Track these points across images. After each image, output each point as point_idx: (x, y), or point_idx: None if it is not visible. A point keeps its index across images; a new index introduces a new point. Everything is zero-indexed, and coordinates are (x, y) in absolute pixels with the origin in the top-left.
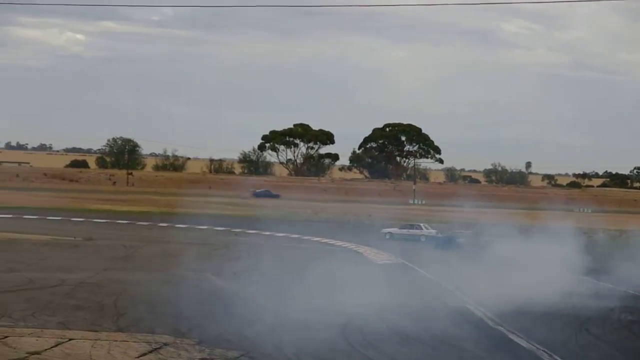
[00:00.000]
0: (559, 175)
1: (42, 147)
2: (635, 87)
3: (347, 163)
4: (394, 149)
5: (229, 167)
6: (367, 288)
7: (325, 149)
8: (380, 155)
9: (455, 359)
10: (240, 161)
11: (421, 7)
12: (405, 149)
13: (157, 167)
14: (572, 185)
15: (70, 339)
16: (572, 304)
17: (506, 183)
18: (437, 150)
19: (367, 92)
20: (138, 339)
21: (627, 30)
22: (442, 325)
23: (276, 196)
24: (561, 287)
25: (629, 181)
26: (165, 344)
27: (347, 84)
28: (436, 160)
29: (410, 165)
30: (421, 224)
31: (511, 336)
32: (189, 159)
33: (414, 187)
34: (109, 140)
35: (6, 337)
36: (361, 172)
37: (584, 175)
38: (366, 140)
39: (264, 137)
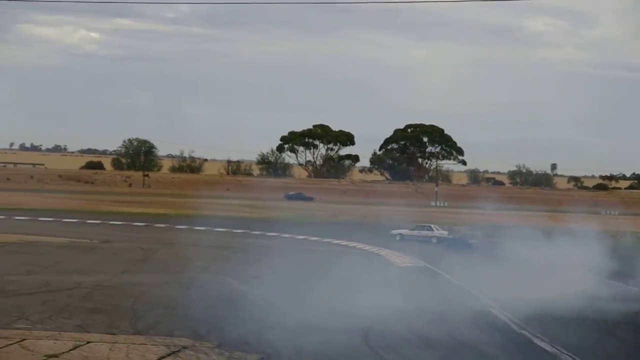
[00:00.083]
0: (585, 177)
1: (57, 149)
2: None
3: (368, 165)
4: (416, 150)
5: (247, 168)
6: (389, 291)
7: (345, 150)
8: (401, 156)
9: None
10: (259, 163)
11: (444, 4)
12: (427, 150)
13: (173, 169)
14: (599, 187)
15: (88, 342)
16: (598, 307)
17: (531, 185)
18: (460, 151)
19: (388, 92)
20: (156, 342)
21: None
22: (465, 329)
23: (309, 199)
24: (587, 290)
25: None
26: (184, 347)
27: (368, 83)
28: (459, 162)
29: (432, 167)
30: (432, 225)
31: (536, 340)
32: (206, 160)
33: (436, 189)
34: (124, 141)
35: (24, 339)
36: (382, 174)
37: (611, 177)
38: (387, 141)
39: (283, 138)
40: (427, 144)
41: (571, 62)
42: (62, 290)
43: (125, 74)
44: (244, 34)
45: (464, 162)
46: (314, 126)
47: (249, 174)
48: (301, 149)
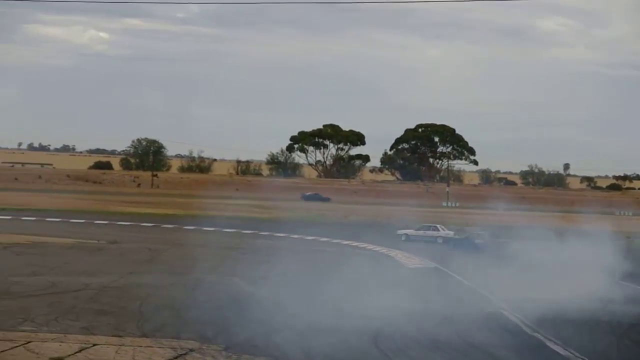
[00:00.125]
0: (599, 177)
1: (65, 149)
2: None
3: (378, 165)
4: (427, 150)
5: (257, 168)
6: (399, 293)
7: (355, 150)
8: (412, 156)
9: None
10: (268, 163)
11: (455, 3)
12: (438, 150)
13: (182, 169)
14: (612, 187)
15: (94, 345)
16: (612, 310)
17: (543, 185)
18: (472, 151)
19: (399, 92)
20: (163, 344)
21: None
22: (476, 331)
23: (327, 199)
24: (599, 292)
25: None
26: (191, 350)
27: (378, 83)
28: (470, 162)
29: (443, 167)
30: (438, 226)
31: (549, 343)
32: (215, 160)
33: (447, 190)
34: (133, 141)
35: (29, 342)
36: (393, 174)
37: (625, 177)
38: (398, 141)
39: (293, 138)
40: (438, 143)
41: (583, 61)
42: (69, 291)
43: (134, 73)
44: (253, 34)
45: (475, 162)
46: (324, 126)
47: (258, 174)
48: (311, 148)
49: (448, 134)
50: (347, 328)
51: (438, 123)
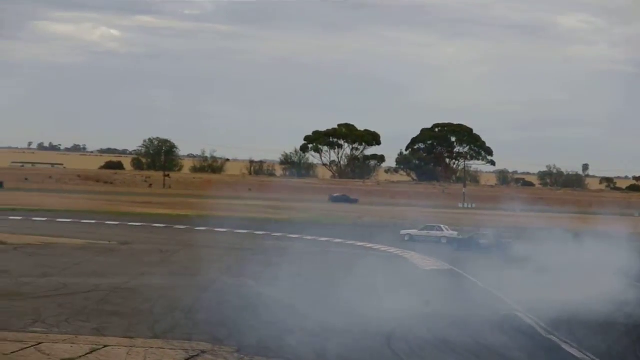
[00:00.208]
0: (618, 178)
1: (76, 148)
2: None
3: (394, 165)
4: (444, 150)
5: (270, 168)
6: (413, 295)
7: (370, 150)
8: (428, 156)
9: None
10: (282, 163)
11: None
12: (455, 150)
13: (195, 169)
14: (632, 188)
15: (105, 346)
16: (628, 312)
17: (562, 186)
18: (489, 151)
19: (415, 91)
20: (175, 346)
21: None
22: (491, 333)
23: (354, 201)
24: (615, 294)
25: None
26: (203, 352)
27: (394, 81)
28: (487, 162)
29: (460, 168)
30: (442, 226)
31: (564, 346)
32: (228, 160)
33: (463, 190)
34: (145, 141)
35: (40, 343)
36: (408, 175)
37: None
38: (414, 141)
39: (307, 138)
40: (455, 143)
41: (605, 59)
42: (79, 292)
43: (145, 72)
44: (266, 31)
45: (492, 163)
46: (338, 125)
47: (271, 174)
48: (325, 148)
49: (465, 134)
50: (361, 330)
51: (455, 122)
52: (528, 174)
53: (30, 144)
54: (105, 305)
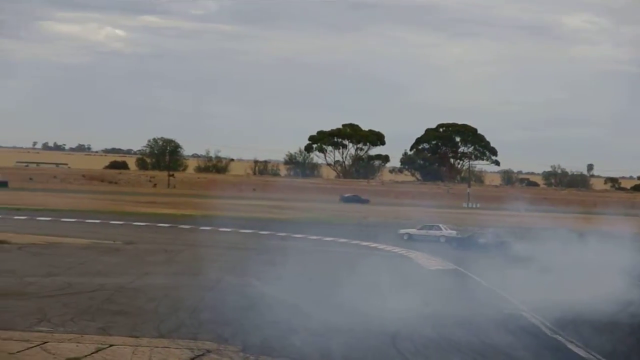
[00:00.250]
0: (623, 178)
1: (81, 148)
2: None
3: (398, 165)
4: (448, 150)
5: (274, 168)
6: (418, 295)
7: (375, 150)
8: (433, 156)
9: None
10: (286, 163)
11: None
12: (459, 150)
13: (199, 169)
14: (637, 188)
15: (110, 345)
16: (632, 312)
17: (566, 186)
18: (493, 151)
19: (419, 91)
20: (180, 345)
21: None
22: (496, 333)
23: (365, 201)
24: (619, 293)
25: None
26: (208, 351)
27: (398, 81)
28: (492, 162)
29: (464, 168)
30: (440, 225)
31: (570, 346)
32: (232, 160)
33: (468, 190)
34: (149, 141)
35: (45, 342)
36: (413, 175)
37: None
38: (418, 141)
39: (311, 138)
40: (459, 143)
41: (609, 59)
42: (84, 292)
43: (151, 72)
44: (271, 31)
45: (497, 163)
46: (343, 125)
47: (276, 174)
48: (330, 148)
49: (469, 134)
50: (365, 329)
51: (459, 122)
52: (532, 174)
53: (34, 143)
54: (110, 305)
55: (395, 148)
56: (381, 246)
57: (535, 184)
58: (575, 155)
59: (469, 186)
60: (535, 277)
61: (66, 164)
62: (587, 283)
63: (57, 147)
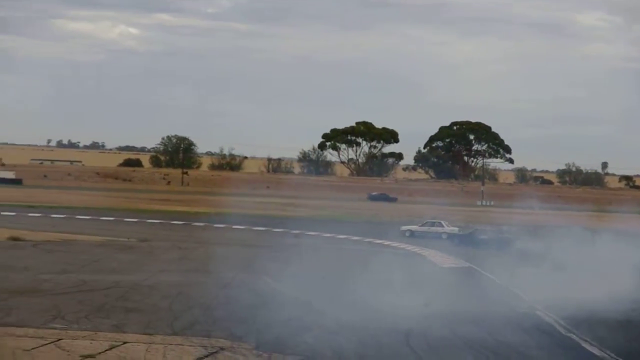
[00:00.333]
0: (637, 176)
1: (95, 146)
2: None
3: (412, 163)
4: (462, 148)
5: (288, 166)
6: (432, 292)
7: (388, 148)
8: (446, 154)
9: None
10: (300, 160)
11: None
12: (473, 148)
13: (213, 166)
14: None
15: (124, 342)
16: None
17: (580, 184)
18: (507, 149)
19: (433, 88)
20: (194, 342)
21: None
22: (510, 331)
23: (393, 200)
24: (633, 291)
25: None
26: (222, 348)
27: (412, 79)
28: (506, 160)
29: (478, 166)
30: (442, 222)
31: (584, 344)
32: (246, 157)
33: (482, 188)
34: (163, 139)
35: (60, 339)
36: (426, 173)
37: None
38: (432, 139)
39: (325, 136)
40: (473, 141)
41: (623, 57)
42: (99, 289)
43: (164, 70)
44: (284, 29)
45: (511, 161)
46: (356, 123)
47: (289, 171)
48: (343, 146)
49: (483, 132)
50: (379, 327)
51: (473, 120)
52: (547, 172)
53: (49, 141)
54: (124, 302)
55: (409, 146)
56: (395, 244)
57: (549, 182)
58: (590, 153)
59: (483, 184)
60: (548, 275)
61: (80, 162)
62: (601, 281)
63: (72, 145)
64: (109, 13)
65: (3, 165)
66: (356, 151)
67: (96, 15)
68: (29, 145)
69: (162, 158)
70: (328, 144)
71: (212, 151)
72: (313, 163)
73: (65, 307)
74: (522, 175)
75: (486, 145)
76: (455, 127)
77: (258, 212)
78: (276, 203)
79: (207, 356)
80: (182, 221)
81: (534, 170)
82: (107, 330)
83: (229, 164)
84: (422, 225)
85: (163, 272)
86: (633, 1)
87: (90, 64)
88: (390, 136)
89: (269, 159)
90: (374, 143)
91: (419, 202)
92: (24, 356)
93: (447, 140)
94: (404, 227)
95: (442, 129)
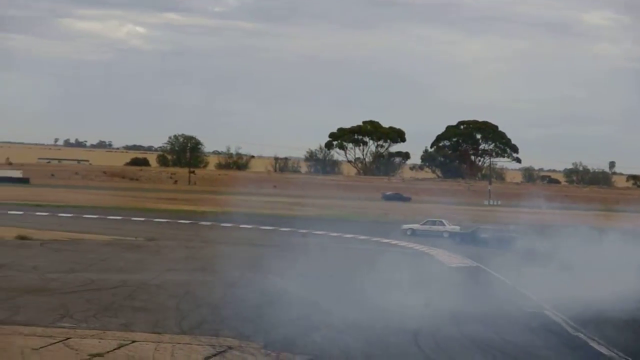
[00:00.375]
0: None
1: (102, 145)
2: None
3: (419, 162)
4: (469, 147)
5: (295, 165)
6: (440, 292)
7: (395, 147)
8: (453, 154)
9: None
10: (307, 159)
11: None
12: (480, 147)
13: (220, 166)
14: None
15: (133, 341)
16: None
17: (588, 183)
18: (515, 148)
19: (440, 87)
20: (202, 341)
21: None
22: (518, 331)
23: (407, 199)
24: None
25: None
26: (230, 348)
27: (419, 78)
28: (513, 160)
29: (485, 165)
30: (443, 220)
31: (592, 343)
32: (252, 157)
33: (489, 188)
34: (170, 138)
35: (68, 338)
36: (433, 172)
37: None
38: (439, 138)
39: (332, 135)
40: (480, 140)
41: (629, 57)
42: (107, 288)
43: (171, 69)
44: (291, 28)
45: (518, 160)
46: (363, 122)
47: (296, 171)
48: (350, 145)
49: (490, 131)
50: (386, 326)
51: (480, 119)
52: (554, 171)
53: (56, 140)
54: (132, 301)
55: (416, 145)
56: (402, 243)
57: (556, 182)
58: (597, 152)
59: (490, 183)
60: (556, 275)
61: (87, 161)
62: (608, 280)
63: (79, 144)
64: (117, 12)
65: (10, 164)
66: (363, 150)
67: (104, 14)
68: (37, 144)
69: (169, 157)
70: (335, 143)
71: (219, 150)
72: (320, 162)
73: (73, 306)
74: (529, 175)
75: (493, 144)
76: (462, 126)
77: (265, 211)
78: (283, 202)
79: (215, 355)
80: (189, 220)
81: (541, 170)
82: (116, 329)
83: (236, 163)
84: (423, 224)
85: (170, 271)
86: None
87: (98, 63)
88: (397, 135)
89: (276, 158)
90: (380, 142)
91: (426, 202)
92: (32, 355)
93: (454, 139)
94: (405, 226)
95: (449, 128)
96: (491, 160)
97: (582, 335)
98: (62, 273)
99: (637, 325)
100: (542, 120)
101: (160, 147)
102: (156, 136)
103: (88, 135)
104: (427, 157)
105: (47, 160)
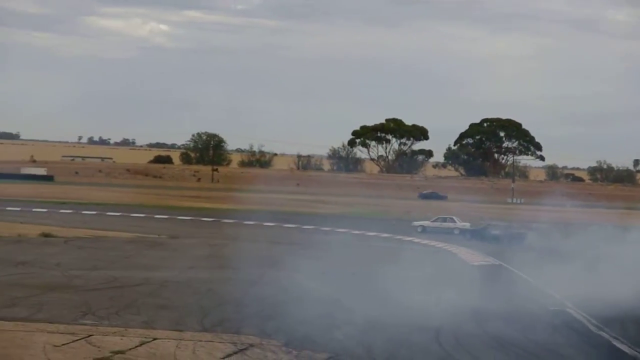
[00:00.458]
0: None
1: (125, 142)
2: None
3: (442, 160)
4: (492, 145)
5: (318, 163)
6: (462, 290)
7: (418, 145)
8: (477, 151)
9: None
10: (329, 157)
11: None
12: (503, 145)
13: (243, 163)
14: None
15: (154, 339)
16: None
17: (612, 181)
18: (538, 146)
19: (463, 85)
20: (223, 339)
21: None
22: (541, 329)
23: (443, 197)
24: None
25: None
26: (251, 345)
27: (442, 76)
28: (537, 157)
29: (509, 163)
30: (454, 217)
31: (614, 342)
32: (275, 154)
33: (512, 186)
34: (193, 135)
35: (90, 335)
36: (456, 170)
37: None
38: (462, 136)
39: (355, 133)
40: (503, 138)
41: None
42: (129, 286)
43: (194, 67)
44: (314, 26)
45: (542, 158)
46: (386, 120)
47: (319, 168)
48: (373, 143)
49: (514, 129)
50: (408, 324)
51: (504, 117)
52: (578, 169)
53: (80, 138)
54: (154, 299)
55: (439, 143)
56: (424, 241)
57: (580, 180)
58: (621, 150)
59: (513, 181)
60: (578, 273)
61: (111, 158)
62: (632, 279)
63: (102, 142)
64: (140, 10)
65: (35, 162)
66: (386, 148)
67: (127, 12)
68: (60, 142)
69: (192, 155)
70: (358, 140)
71: (242, 148)
72: (343, 160)
73: (96, 304)
74: (553, 173)
75: (517, 142)
76: (485, 124)
77: (287, 209)
78: (306, 200)
79: (236, 353)
80: (212, 218)
81: (564, 168)
82: (138, 326)
83: (259, 160)
84: (434, 221)
85: (193, 268)
86: None
87: (121, 61)
88: (420, 133)
89: (299, 156)
90: (403, 140)
91: (450, 200)
92: (54, 352)
93: (477, 137)
94: (416, 223)
95: (472, 125)
96: (514, 158)
97: (604, 334)
98: (85, 270)
99: None
100: (566, 117)
101: (183, 144)
102: (179, 134)
103: (112, 133)
104: (450, 155)
105: (71, 158)
